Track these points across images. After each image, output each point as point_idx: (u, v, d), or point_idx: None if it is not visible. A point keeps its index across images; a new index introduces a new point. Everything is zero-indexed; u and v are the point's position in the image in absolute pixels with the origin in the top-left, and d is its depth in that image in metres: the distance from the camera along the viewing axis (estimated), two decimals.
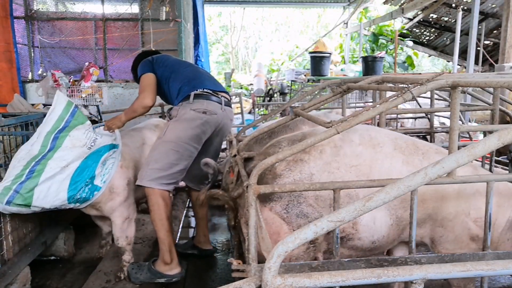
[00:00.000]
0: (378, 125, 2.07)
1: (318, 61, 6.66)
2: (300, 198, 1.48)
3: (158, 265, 2.38)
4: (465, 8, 7.53)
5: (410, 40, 9.71)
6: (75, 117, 2.23)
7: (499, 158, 2.81)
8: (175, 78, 2.55)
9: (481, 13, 7.58)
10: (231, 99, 2.73)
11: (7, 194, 1.95)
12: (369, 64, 6.43)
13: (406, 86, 1.32)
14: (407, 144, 1.59)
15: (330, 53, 6.92)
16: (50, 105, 4.60)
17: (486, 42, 8.70)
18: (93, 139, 2.25)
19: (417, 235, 1.55)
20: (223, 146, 3.90)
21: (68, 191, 2.10)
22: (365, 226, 1.49)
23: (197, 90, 2.46)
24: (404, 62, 9.63)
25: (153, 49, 4.92)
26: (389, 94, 1.69)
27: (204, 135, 2.46)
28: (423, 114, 3.43)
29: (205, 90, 2.48)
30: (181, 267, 2.42)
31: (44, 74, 5.40)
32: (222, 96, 2.55)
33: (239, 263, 1.29)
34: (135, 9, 5.78)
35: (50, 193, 2.04)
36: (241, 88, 9.96)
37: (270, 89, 8.15)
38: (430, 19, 9.25)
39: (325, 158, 1.50)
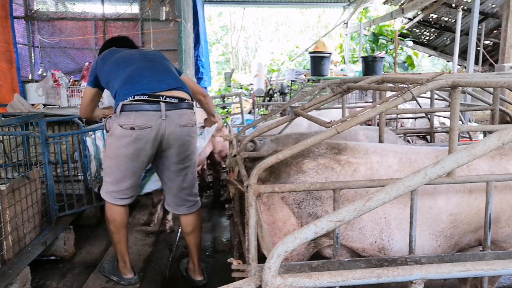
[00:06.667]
0: (378, 125, 2.07)
1: (318, 61, 6.65)
2: (317, 201, 1.47)
3: (119, 263, 2.46)
4: (465, 8, 7.53)
5: (410, 40, 9.70)
6: None
7: None
8: (113, 84, 2.21)
9: (481, 13, 7.57)
10: (191, 99, 2.27)
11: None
12: (369, 64, 6.43)
13: (406, 86, 1.32)
14: None
15: (330, 53, 6.91)
16: (50, 105, 4.61)
17: (486, 42, 8.70)
18: None
19: (474, 240, 1.52)
20: None
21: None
22: (398, 252, 1.46)
23: (126, 99, 2.05)
24: (404, 62, 9.62)
25: (149, 47, 4.88)
26: (389, 94, 1.69)
27: (143, 151, 2.12)
28: (423, 114, 3.43)
29: (136, 97, 2.05)
30: (134, 274, 2.45)
31: (44, 74, 5.40)
32: (165, 97, 2.10)
33: (239, 263, 1.28)
34: (135, 9, 5.78)
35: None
36: (241, 88, 9.94)
37: (270, 89, 8.14)
38: (430, 19, 9.25)
39: (356, 178, 1.46)
